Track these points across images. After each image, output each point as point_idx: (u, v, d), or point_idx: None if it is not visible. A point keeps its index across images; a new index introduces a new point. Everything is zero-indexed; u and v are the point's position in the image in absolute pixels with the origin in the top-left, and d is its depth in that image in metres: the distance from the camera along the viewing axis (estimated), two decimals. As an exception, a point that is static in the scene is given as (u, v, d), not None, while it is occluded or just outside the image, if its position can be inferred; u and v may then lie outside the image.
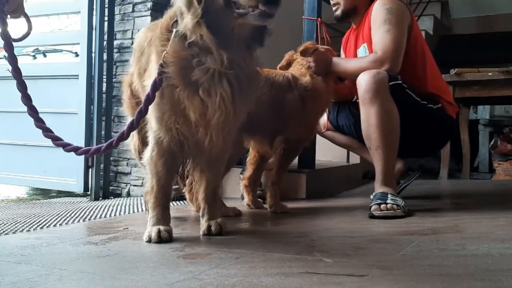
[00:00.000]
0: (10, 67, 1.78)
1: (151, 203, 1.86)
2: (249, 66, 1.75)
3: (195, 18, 1.61)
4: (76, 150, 1.89)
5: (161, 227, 1.80)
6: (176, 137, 1.77)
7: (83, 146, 3.45)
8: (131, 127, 1.76)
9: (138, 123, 1.77)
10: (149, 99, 1.70)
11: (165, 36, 1.73)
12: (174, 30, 1.69)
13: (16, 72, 1.78)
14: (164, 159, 1.81)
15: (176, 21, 1.70)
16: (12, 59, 1.78)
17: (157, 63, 1.72)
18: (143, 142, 2.21)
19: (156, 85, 1.69)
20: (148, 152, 1.84)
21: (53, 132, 1.85)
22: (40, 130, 1.83)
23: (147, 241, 1.78)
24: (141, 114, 1.73)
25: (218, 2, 1.62)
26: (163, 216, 1.85)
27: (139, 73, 2.01)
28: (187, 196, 2.54)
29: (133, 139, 2.29)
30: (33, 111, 1.83)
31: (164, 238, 1.77)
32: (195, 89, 1.67)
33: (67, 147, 1.86)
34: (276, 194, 2.48)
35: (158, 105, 1.75)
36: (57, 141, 1.84)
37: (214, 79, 1.67)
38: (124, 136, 1.77)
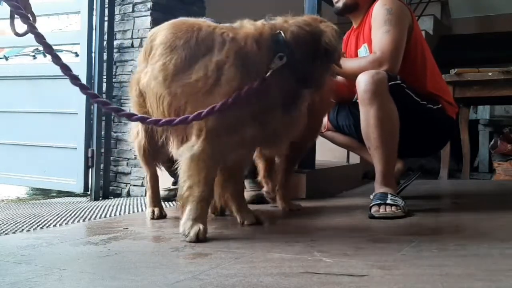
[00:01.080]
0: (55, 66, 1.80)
1: (194, 198, 1.84)
2: None
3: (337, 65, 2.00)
4: (144, 120, 1.93)
5: (201, 227, 1.80)
6: (240, 139, 1.88)
7: (83, 146, 3.46)
8: (212, 111, 1.79)
9: (221, 110, 1.79)
10: (240, 97, 1.79)
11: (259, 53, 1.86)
12: (288, 57, 1.84)
13: (65, 69, 1.79)
14: (217, 157, 1.89)
15: (291, 50, 1.86)
16: (56, 58, 1.78)
17: (239, 72, 1.84)
18: (150, 142, 2.23)
19: (254, 90, 1.80)
20: (199, 146, 1.86)
21: (111, 104, 1.93)
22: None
23: (183, 235, 1.79)
24: (227, 104, 1.78)
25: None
26: (202, 212, 1.85)
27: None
28: None
29: (137, 138, 2.29)
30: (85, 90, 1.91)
31: (201, 239, 1.78)
32: (287, 109, 1.91)
33: (134, 117, 1.94)
34: (285, 196, 2.50)
35: (238, 110, 1.82)
36: (119, 112, 1.95)
37: (304, 105, 1.99)
38: (201, 116, 1.80)
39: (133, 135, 2.34)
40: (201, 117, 1.80)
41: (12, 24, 1.85)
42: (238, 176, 2.15)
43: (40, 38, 1.79)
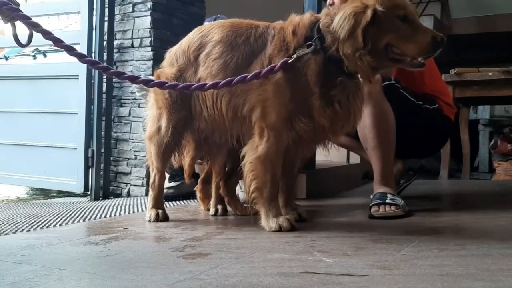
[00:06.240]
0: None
1: (265, 198, 1.92)
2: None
3: (358, 50, 1.79)
4: (162, 84, 1.93)
5: (284, 218, 1.91)
6: (296, 135, 1.91)
7: (83, 146, 3.46)
8: (258, 75, 1.83)
9: (266, 76, 1.84)
10: (273, 70, 1.83)
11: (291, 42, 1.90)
12: (316, 45, 1.85)
13: (83, 57, 1.91)
14: (281, 155, 1.94)
15: (321, 36, 1.86)
16: (69, 50, 1.87)
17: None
18: (176, 138, 2.16)
19: (278, 67, 1.83)
20: (264, 147, 1.90)
21: (126, 74, 1.93)
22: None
23: (276, 230, 1.88)
24: (257, 76, 1.83)
25: (379, 44, 1.82)
26: (277, 209, 1.96)
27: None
28: (198, 195, 2.53)
29: (159, 134, 2.16)
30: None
31: (290, 227, 1.89)
32: (329, 101, 1.87)
33: (151, 83, 1.94)
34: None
35: (286, 104, 1.88)
36: (136, 80, 1.96)
37: (350, 98, 1.90)
38: (246, 80, 1.83)
39: (152, 132, 2.20)
40: (246, 80, 1.84)
41: (15, 36, 1.84)
42: (290, 172, 2.17)
43: (47, 34, 1.81)
